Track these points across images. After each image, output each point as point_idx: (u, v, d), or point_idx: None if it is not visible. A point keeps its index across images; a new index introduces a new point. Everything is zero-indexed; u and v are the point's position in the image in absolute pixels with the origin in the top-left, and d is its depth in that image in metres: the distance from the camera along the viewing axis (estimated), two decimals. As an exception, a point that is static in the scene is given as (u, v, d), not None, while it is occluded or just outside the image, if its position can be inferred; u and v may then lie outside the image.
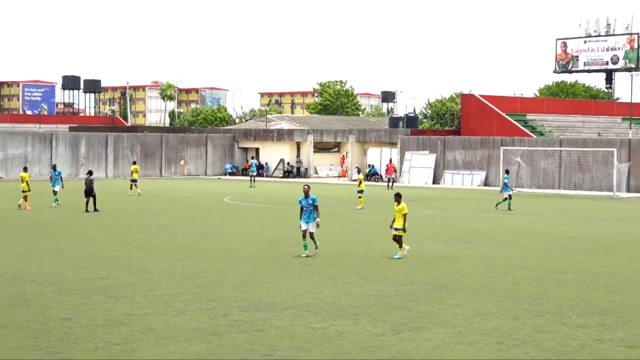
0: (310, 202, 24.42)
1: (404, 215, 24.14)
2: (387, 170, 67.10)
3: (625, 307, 17.67)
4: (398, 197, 24.46)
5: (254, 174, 68.70)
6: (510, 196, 44.04)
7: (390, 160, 69.39)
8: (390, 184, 64.32)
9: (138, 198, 49.76)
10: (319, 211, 24.56)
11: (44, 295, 18.00)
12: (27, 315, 16.08)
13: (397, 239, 24.42)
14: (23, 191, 41.06)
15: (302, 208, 24.59)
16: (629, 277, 21.70)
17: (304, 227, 24.32)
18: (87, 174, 39.69)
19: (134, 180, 54.28)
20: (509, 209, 43.05)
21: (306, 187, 25.09)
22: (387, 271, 22.15)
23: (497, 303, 17.84)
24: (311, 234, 24.31)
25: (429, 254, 25.83)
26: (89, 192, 38.54)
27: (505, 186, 44.61)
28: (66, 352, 13.28)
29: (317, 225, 24.30)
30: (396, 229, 24.38)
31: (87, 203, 38.57)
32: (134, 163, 60.33)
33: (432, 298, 18.35)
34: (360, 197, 44.32)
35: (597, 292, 19.37)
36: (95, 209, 38.55)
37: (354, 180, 75.60)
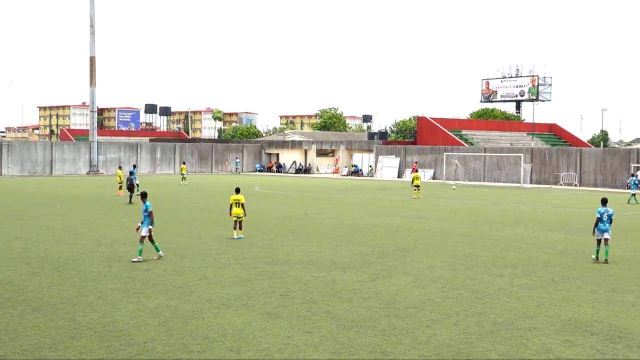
0: (144, 209, 16.83)
1: (242, 204, 21.19)
2: (412, 170, 63.91)
3: (529, 262, 17.61)
4: (237, 190, 21.55)
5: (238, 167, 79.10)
6: (634, 194, 39.60)
7: (415, 162, 67.33)
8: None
9: (194, 186, 49.66)
10: (152, 217, 16.81)
11: (131, 254, 17.92)
12: (119, 266, 16.05)
13: (238, 222, 21.22)
14: (118, 183, 40.97)
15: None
16: (531, 242, 21.65)
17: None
18: (130, 173, 35.73)
19: (183, 174, 56.57)
20: (628, 202, 38.72)
21: (142, 192, 17.67)
22: (365, 237, 22.08)
23: (441, 259, 17.79)
24: (150, 238, 16.86)
25: (395, 225, 25.74)
26: (130, 187, 34.54)
27: (635, 185, 39.72)
28: (146, 292, 13.23)
29: (150, 231, 16.70)
30: (237, 216, 21.11)
31: (130, 196, 34.42)
32: (183, 163, 61.79)
33: (397, 256, 18.29)
34: (415, 190, 40.70)
35: (509, 252, 19.32)
36: (130, 202, 33.95)
37: (344, 176, 76.21)
